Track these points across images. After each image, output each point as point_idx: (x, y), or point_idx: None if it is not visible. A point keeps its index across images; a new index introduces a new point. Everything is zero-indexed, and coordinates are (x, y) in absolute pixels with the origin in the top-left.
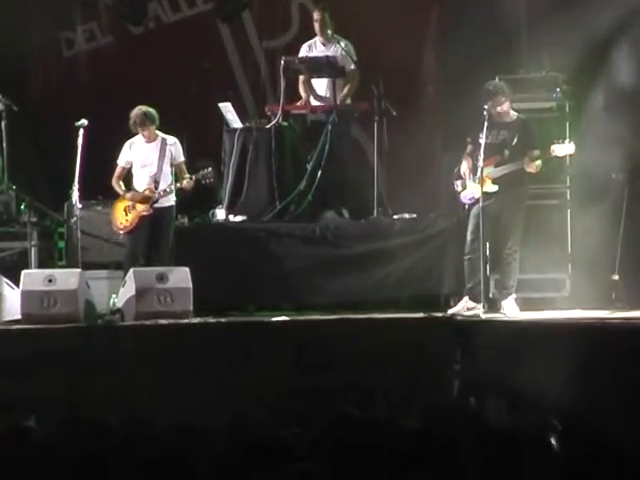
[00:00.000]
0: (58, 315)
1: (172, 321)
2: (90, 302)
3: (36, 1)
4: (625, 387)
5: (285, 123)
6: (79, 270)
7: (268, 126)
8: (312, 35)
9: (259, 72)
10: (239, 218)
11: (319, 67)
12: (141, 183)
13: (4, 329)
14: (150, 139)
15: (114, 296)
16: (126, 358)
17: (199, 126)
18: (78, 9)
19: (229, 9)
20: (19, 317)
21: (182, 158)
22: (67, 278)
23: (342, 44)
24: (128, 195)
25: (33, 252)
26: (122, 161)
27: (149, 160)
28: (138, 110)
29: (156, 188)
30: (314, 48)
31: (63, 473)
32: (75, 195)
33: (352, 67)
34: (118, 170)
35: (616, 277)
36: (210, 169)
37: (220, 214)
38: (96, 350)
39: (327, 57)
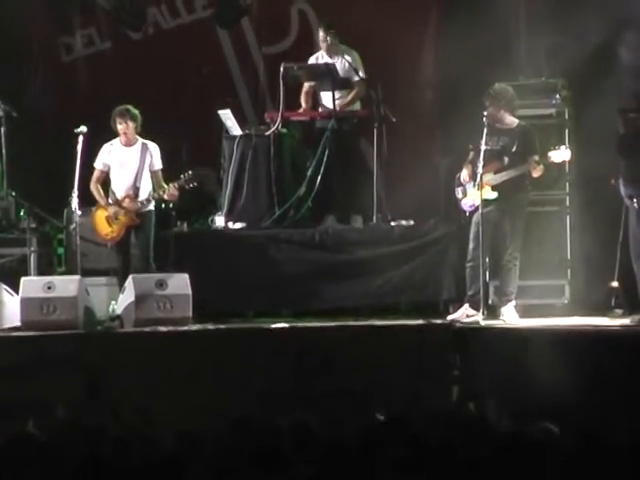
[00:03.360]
0: (57, 322)
1: (171, 328)
2: (89, 309)
3: (35, 6)
4: (624, 394)
5: (284, 130)
6: (78, 277)
7: (267, 133)
8: (311, 41)
9: (258, 78)
10: (238, 224)
11: (318, 74)
12: (120, 187)
13: (4, 336)
14: (129, 142)
15: (113, 303)
16: (125, 365)
17: (198, 133)
18: (77, 14)
19: (228, 15)
20: (19, 324)
21: (160, 165)
22: (66, 285)
23: (348, 57)
24: (111, 209)
25: (32, 258)
26: (99, 164)
27: (129, 164)
28: (121, 106)
29: (136, 194)
30: (320, 60)
31: (62, 478)
32: (74, 201)
33: (357, 78)
34: (96, 174)
35: (615, 284)
36: (190, 172)
37: (219, 221)
38: (95, 357)
39: (327, 64)
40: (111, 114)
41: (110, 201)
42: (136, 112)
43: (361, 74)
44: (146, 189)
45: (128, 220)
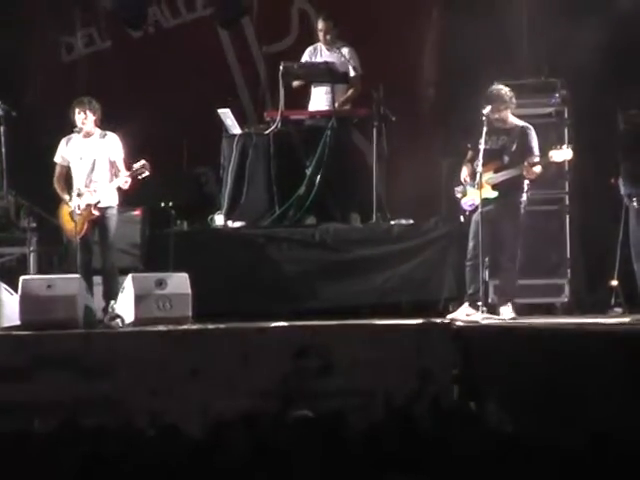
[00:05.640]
0: (57, 321)
1: (171, 327)
2: (89, 308)
3: (35, 5)
4: (624, 392)
5: (284, 129)
6: (78, 276)
7: (267, 132)
8: (311, 40)
9: (258, 77)
10: (238, 223)
11: (318, 73)
12: (79, 180)
13: (3, 335)
14: (88, 134)
15: (113, 302)
16: (125, 364)
17: (198, 132)
18: (77, 13)
19: (229, 14)
20: (18, 323)
21: (121, 155)
22: (66, 284)
23: (345, 50)
24: (72, 203)
25: (32, 258)
26: (58, 158)
27: (87, 156)
28: (82, 97)
29: (95, 186)
30: (318, 53)
31: (63, 478)
32: (74, 201)
33: (353, 74)
34: (57, 169)
35: (615, 283)
36: (143, 161)
37: (219, 220)
38: (95, 356)
39: (326, 63)
40: (110, 113)
41: (71, 195)
42: (95, 103)
43: (357, 70)
44: (105, 181)
45: (88, 214)
